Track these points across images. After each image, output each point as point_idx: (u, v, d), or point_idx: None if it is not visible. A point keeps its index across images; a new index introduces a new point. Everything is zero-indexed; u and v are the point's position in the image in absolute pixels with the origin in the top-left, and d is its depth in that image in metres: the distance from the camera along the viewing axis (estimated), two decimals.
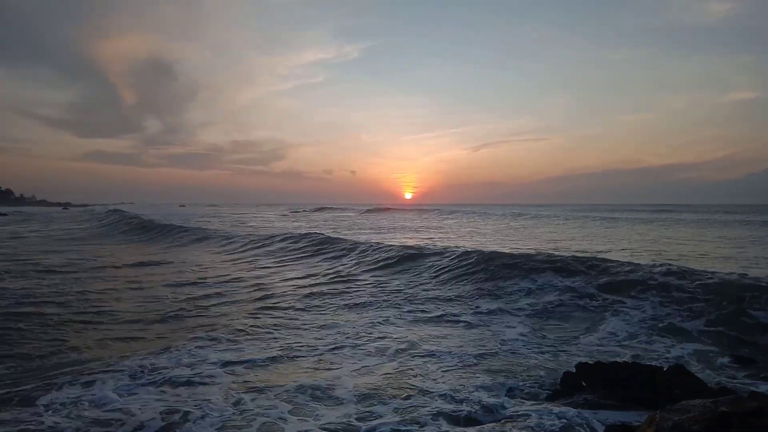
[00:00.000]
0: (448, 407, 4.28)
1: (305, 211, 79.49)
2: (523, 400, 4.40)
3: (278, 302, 9.06)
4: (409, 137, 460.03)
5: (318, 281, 11.58)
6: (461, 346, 6.27)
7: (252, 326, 7.23)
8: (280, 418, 4.14)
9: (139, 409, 4.30)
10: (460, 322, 7.66)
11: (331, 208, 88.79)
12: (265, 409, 4.31)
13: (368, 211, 73.26)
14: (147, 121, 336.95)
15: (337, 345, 6.31)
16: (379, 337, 6.68)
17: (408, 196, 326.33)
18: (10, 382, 4.98)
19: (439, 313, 8.21)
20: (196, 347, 6.12)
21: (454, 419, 4.08)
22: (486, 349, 6.13)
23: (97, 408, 4.34)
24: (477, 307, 8.60)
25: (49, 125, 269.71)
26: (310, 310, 8.42)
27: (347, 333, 6.91)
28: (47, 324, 7.31)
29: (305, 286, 10.80)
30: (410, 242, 18.62)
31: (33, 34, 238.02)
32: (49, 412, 4.26)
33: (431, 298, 9.39)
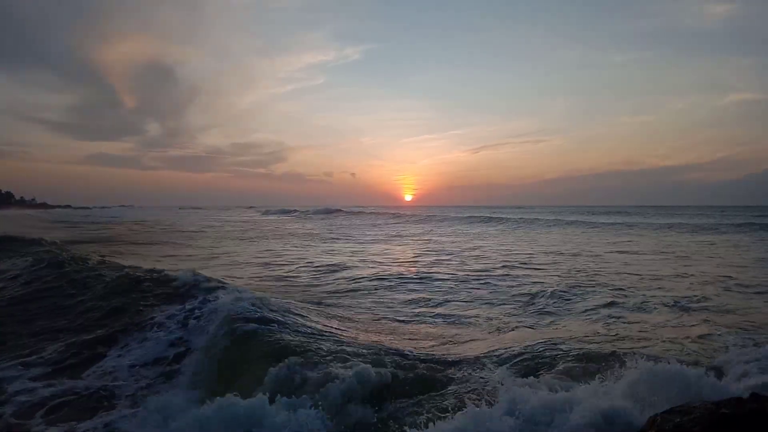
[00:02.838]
0: None
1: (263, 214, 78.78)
2: None
3: None
4: (408, 140, 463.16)
5: None
6: None
7: None
8: None
9: None
10: None
11: (296, 210, 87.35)
12: None
13: (321, 212, 72.25)
14: (147, 124, 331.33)
15: None
16: None
17: (408, 198, 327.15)
18: None
19: None
20: None
21: None
22: None
23: None
24: None
25: (49, 129, 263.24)
26: None
27: None
28: None
29: None
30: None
31: (33, 38, 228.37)
32: None
33: None
